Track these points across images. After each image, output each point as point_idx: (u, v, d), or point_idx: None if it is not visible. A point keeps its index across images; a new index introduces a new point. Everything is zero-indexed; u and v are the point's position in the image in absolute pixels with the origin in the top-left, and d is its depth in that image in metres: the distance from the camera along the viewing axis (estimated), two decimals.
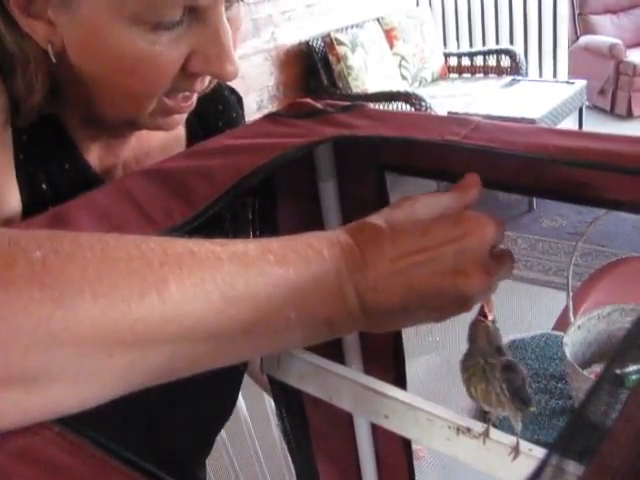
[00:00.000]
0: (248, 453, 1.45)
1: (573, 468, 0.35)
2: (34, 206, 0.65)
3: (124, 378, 0.41)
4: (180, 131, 0.83)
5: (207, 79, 0.69)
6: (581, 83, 4.31)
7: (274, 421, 1.44)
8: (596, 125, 4.97)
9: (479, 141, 0.60)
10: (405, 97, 3.95)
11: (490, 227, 0.52)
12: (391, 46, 4.54)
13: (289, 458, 1.46)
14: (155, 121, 0.70)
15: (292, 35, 4.36)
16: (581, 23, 5.51)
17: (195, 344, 0.43)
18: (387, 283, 0.49)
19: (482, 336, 0.60)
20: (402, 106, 3.97)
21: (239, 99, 0.92)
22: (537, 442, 0.64)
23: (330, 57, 4.26)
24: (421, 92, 4.12)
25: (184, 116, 0.73)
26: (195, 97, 0.71)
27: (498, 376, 0.60)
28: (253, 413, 1.40)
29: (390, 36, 4.56)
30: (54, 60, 0.64)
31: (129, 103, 0.67)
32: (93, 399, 0.41)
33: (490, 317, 0.61)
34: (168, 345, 0.42)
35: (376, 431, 0.91)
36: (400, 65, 4.57)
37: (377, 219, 0.52)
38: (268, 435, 1.45)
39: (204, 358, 0.45)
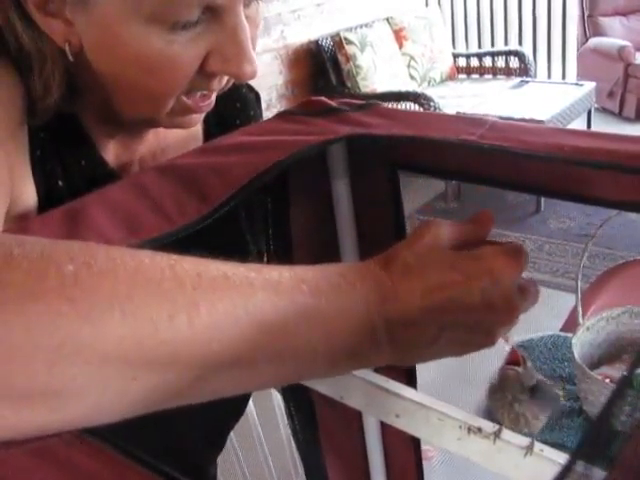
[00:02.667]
0: (256, 452, 1.45)
1: (595, 473, 0.34)
2: (50, 202, 0.65)
3: (146, 399, 0.40)
4: (197, 128, 0.83)
5: (225, 78, 0.69)
6: (590, 85, 4.29)
7: (282, 420, 1.44)
8: (604, 127, 4.96)
9: (495, 141, 0.60)
10: (414, 97, 3.95)
11: (517, 261, 0.51)
12: (400, 46, 4.54)
13: (297, 457, 1.47)
14: (173, 120, 0.70)
15: (301, 34, 4.35)
16: (590, 25, 5.50)
17: (220, 370, 0.42)
18: (419, 318, 0.48)
19: (512, 381, 0.60)
20: (411, 106, 3.96)
21: (257, 97, 0.92)
22: (545, 443, 0.64)
23: (339, 56, 4.25)
24: (430, 92, 4.11)
25: (202, 115, 0.73)
26: (214, 96, 0.71)
27: (528, 408, 0.60)
28: (261, 412, 1.40)
29: (399, 36, 4.55)
30: (71, 59, 0.64)
31: (147, 102, 0.67)
32: (113, 417, 0.40)
33: (507, 347, 0.61)
34: (193, 369, 0.41)
35: (385, 430, 0.91)
36: (409, 65, 4.56)
37: (404, 251, 0.51)
38: (276, 434, 1.45)
39: (228, 384, 0.44)
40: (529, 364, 0.61)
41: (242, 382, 0.45)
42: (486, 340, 0.52)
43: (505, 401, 0.61)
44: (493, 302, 0.49)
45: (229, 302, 0.42)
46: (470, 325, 0.50)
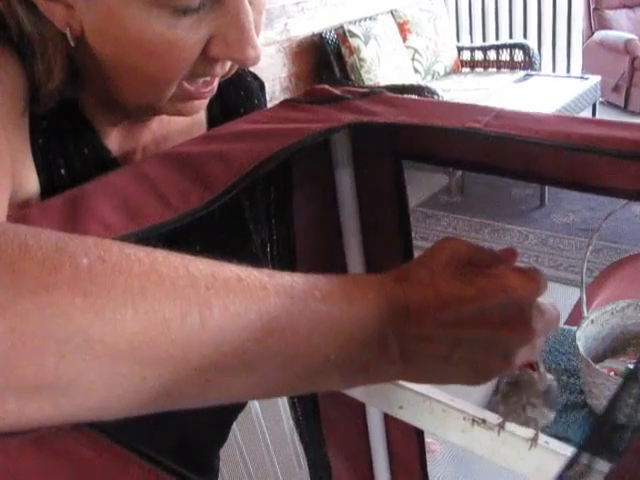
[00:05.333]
0: (258, 444, 1.45)
1: (600, 466, 0.34)
2: (53, 191, 0.65)
3: (154, 399, 0.40)
4: (201, 116, 0.83)
5: (228, 64, 0.69)
6: (595, 79, 4.28)
7: (284, 412, 1.44)
8: None
9: (501, 129, 0.59)
10: (418, 90, 3.93)
11: (534, 282, 0.50)
12: (404, 39, 4.52)
13: (299, 449, 1.47)
14: (175, 106, 0.70)
15: (305, 27, 4.34)
16: (596, 18, 5.47)
17: (229, 374, 0.41)
18: (431, 332, 0.47)
19: (525, 381, 0.60)
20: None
21: (261, 85, 0.92)
22: (549, 436, 0.64)
23: (343, 49, 4.24)
24: (434, 86, 4.10)
25: (205, 102, 0.73)
26: (216, 82, 0.70)
27: (541, 411, 0.60)
28: (264, 404, 1.40)
29: (403, 29, 4.54)
30: (73, 44, 0.64)
31: (149, 88, 0.67)
32: (119, 415, 0.39)
33: (541, 369, 0.60)
34: (203, 372, 0.40)
35: (388, 421, 0.90)
36: (413, 58, 4.55)
37: (419, 266, 0.50)
38: (278, 426, 1.45)
39: (236, 388, 0.43)
40: (542, 369, 0.60)
41: (251, 388, 0.44)
42: (503, 362, 0.50)
43: (518, 405, 0.61)
44: (508, 320, 0.48)
45: (242, 304, 0.41)
46: (485, 343, 0.49)
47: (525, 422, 0.62)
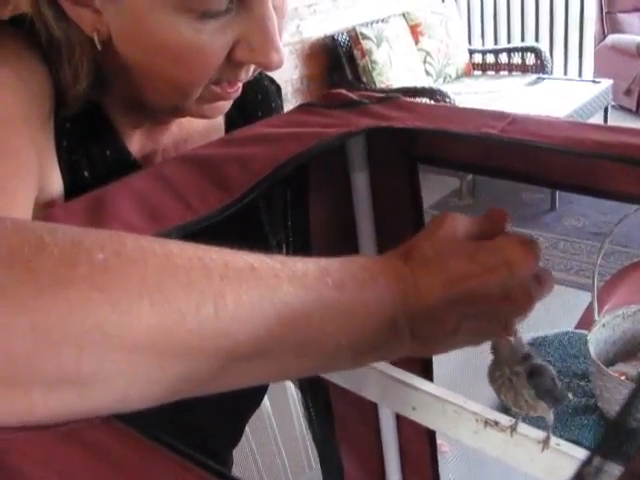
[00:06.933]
0: (270, 444, 1.46)
1: (614, 470, 0.34)
2: (76, 192, 0.66)
3: (173, 388, 0.40)
4: (220, 119, 0.84)
5: (252, 68, 0.70)
6: (607, 82, 4.26)
7: (295, 413, 1.44)
8: (621, 125, 4.91)
9: (516, 134, 0.60)
10: (429, 93, 3.93)
11: (533, 252, 0.52)
12: (416, 42, 4.52)
13: (310, 450, 1.47)
14: (201, 108, 0.71)
15: (317, 29, 4.34)
16: (609, 21, 5.45)
17: (245, 361, 0.42)
18: (439, 310, 0.49)
19: (505, 349, 0.61)
20: (426, 102, 3.95)
21: (278, 89, 0.92)
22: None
23: (355, 51, 4.24)
24: (445, 88, 4.09)
25: (229, 103, 0.74)
26: (241, 83, 0.71)
27: (525, 384, 0.60)
28: (275, 405, 1.41)
29: (415, 31, 4.53)
30: (100, 48, 0.65)
31: (174, 91, 0.68)
32: (141, 405, 0.40)
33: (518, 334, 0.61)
34: (219, 360, 0.41)
35: (401, 422, 0.91)
36: (425, 61, 4.54)
37: (423, 243, 0.51)
38: (290, 427, 1.45)
39: (251, 374, 0.44)
40: (519, 334, 0.61)
41: (265, 373, 0.46)
42: (502, 330, 0.53)
43: (504, 378, 0.61)
44: (510, 292, 0.50)
45: (255, 294, 0.42)
46: (488, 315, 0.51)
47: (516, 401, 0.62)
